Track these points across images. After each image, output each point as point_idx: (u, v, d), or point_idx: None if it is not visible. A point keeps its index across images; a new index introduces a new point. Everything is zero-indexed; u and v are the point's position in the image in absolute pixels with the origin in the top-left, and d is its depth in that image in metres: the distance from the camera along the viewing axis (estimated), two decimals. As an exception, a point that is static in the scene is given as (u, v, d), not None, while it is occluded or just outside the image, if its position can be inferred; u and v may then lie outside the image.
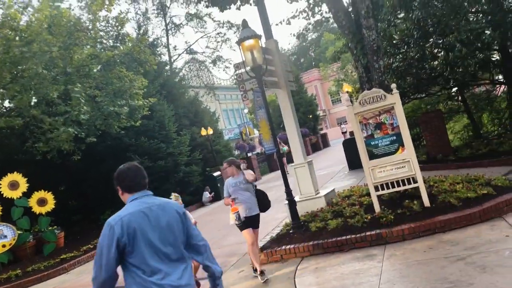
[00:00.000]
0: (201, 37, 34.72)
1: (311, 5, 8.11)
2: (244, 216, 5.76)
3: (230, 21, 33.84)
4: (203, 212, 15.33)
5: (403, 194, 6.77)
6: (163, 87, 18.67)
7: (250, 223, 5.83)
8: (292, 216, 6.83)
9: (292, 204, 6.82)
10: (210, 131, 19.04)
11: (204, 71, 35.69)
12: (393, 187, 6.51)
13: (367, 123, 6.59)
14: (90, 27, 12.90)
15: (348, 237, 6.09)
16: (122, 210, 2.45)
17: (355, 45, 6.92)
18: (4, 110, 14.75)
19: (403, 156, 6.42)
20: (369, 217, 6.36)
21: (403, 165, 6.40)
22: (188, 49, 34.02)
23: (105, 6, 13.48)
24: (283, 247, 6.48)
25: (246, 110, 47.76)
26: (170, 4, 32.17)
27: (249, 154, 22.09)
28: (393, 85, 6.40)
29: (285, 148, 16.15)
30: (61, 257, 10.95)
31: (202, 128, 19.04)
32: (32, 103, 15.00)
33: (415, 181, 6.41)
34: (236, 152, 22.40)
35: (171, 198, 5.59)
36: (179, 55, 33.68)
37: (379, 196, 6.65)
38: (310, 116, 34.54)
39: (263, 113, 6.71)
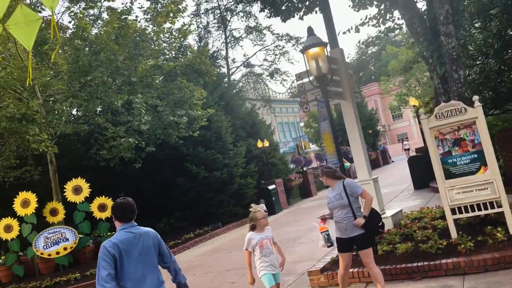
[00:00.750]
0: (259, 50, 34.76)
1: (382, 12, 7.62)
2: (336, 237, 4.89)
3: (289, 33, 33.67)
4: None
5: (483, 219, 6.04)
6: (221, 98, 18.77)
7: (348, 245, 4.83)
8: (356, 237, 6.30)
9: (356, 223, 6.29)
10: (266, 144, 18.80)
11: (260, 83, 35.79)
12: (473, 210, 5.81)
13: (443, 139, 5.97)
14: (154, 38, 13.22)
15: (420, 264, 5.48)
16: (114, 236, 3.32)
17: (431, 54, 6.35)
18: (72, 118, 15.49)
19: (485, 176, 5.73)
20: (444, 243, 5.70)
21: (485, 186, 5.70)
22: (246, 62, 34.36)
23: (169, 19, 13.80)
24: (346, 270, 5.98)
25: (302, 124, 47.27)
26: (231, 17, 32.75)
27: (305, 168, 21.58)
28: (475, 97, 5.75)
29: (347, 164, 15.01)
30: (118, 263, 11.09)
31: (259, 140, 18.85)
32: (98, 112, 15.64)
33: (499, 205, 5.69)
34: (292, 166, 21.98)
35: (250, 210, 5.03)
36: (237, 67, 33.85)
37: (455, 220, 5.98)
38: (370, 131, 33.34)
39: (327, 125, 6.31)
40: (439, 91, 6.51)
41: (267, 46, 34.61)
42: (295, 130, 47.33)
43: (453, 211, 5.91)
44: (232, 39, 33.92)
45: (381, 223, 4.84)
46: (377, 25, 7.73)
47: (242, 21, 34.15)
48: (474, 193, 5.76)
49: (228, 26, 33.23)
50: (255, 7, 32.68)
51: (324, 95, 6.36)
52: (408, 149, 32.89)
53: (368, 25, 7.73)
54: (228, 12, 32.35)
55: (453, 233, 5.83)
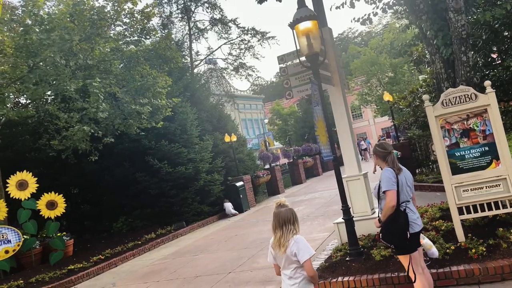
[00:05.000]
0: (224, 44, 33.72)
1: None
2: None
3: (255, 28, 32.65)
4: (225, 225, 14.08)
5: (491, 220, 5.43)
6: (186, 89, 17.59)
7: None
8: (350, 240, 5.53)
9: (350, 225, 5.53)
10: (234, 138, 17.83)
11: (224, 78, 34.84)
12: (482, 210, 5.17)
13: (450, 129, 5.30)
14: (114, 17, 11.91)
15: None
16: None
17: (435, 33, 5.66)
18: (20, 106, 13.88)
19: (497, 172, 5.09)
20: (452, 247, 5.02)
21: (497, 183, 5.07)
22: (210, 55, 33.26)
23: (131, -2, 12.54)
24: (340, 278, 5.18)
25: (266, 120, 46.72)
26: (195, 8, 31.45)
27: (273, 165, 20.82)
28: (487, 82, 5.11)
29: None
30: (69, 267, 9.82)
31: (226, 134, 17.86)
32: (48, 100, 14.10)
33: (512, 205, 5.08)
34: (259, 162, 21.16)
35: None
36: (201, 61, 32.73)
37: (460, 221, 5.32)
38: (334, 129, 33.04)
39: (320, 111, 5.48)
40: (441, 77, 5.84)
41: (232, 40, 33.60)
42: (258, 127, 46.74)
43: (460, 211, 5.25)
44: (197, 31, 32.66)
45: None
46: (372, 1, 7.00)
47: (207, 12, 32.49)
48: (484, 191, 5.11)
49: (192, 17, 31.92)
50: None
51: (317, 77, 5.52)
52: (366, 149, 32.62)
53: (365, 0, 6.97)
54: (192, 3, 31.08)
55: (461, 236, 5.17)
